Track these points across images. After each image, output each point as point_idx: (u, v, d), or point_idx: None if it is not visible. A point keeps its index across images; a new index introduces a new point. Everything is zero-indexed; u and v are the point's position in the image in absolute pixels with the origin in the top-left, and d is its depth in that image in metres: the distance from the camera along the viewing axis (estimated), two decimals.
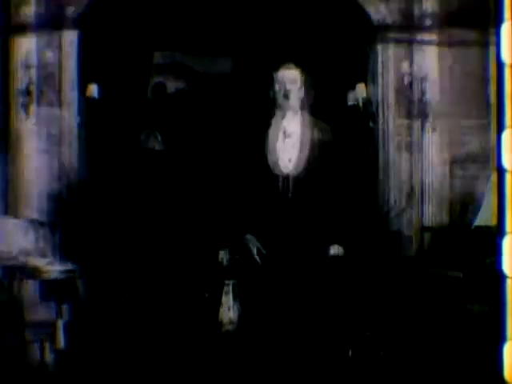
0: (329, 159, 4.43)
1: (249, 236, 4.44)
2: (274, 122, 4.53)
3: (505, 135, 3.10)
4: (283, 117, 4.50)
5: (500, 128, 3.10)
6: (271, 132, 4.50)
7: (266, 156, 4.44)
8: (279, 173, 4.42)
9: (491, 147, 5.66)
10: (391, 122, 6.47)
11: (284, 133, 4.48)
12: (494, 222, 3.29)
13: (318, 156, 4.42)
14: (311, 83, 4.60)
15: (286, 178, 4.41)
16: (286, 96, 4.47)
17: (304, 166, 4.42)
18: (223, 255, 6.85)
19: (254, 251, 4.41)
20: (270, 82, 4.55)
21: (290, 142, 4.46)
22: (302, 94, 4.54)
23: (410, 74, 6.34)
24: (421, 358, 5.60)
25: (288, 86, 4.46)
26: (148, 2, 6.75)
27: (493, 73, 2.96)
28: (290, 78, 4.49)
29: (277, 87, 4.49)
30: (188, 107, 8.68)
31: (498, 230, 3.16)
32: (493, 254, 3.26)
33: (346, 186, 4.54)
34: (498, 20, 3.14)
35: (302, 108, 4.57)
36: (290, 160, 4.43)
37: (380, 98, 6.50)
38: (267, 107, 4.59)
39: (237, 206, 4.53)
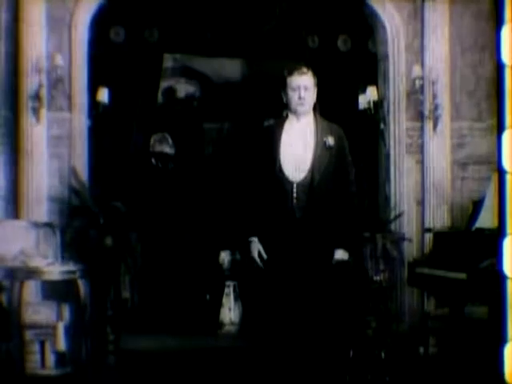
0: (341, 163, 4.39)
1: (252, 238, 4.40)
2: (287, 126, 4.41)
3: (505, 136, 3.09)
4: (297, 121, 4.39)
5: (500, 129, 3.09)
6: (284, 137, 4.38)
7: (279, 160, 4.32)
8: (293, 178, 4.30)
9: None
10: (402, 124, 6.47)
11: (295, 139, 4.37)
12: (495, 223, 3.29)
13: (332, 160, 4.38)
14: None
15: (301, 182, 4.29)
16: (302, 102, 4.35)
17: (318, 170, 4.30)
18: (224, 257, 6.86)
19: (256, 253, 4.37)
20: (283, 85, 4.41)
21: (304, 147, 4.36)
22: (314, 97, 4.43)
23: (422, 78, 6.34)
24: (422, 358, 5.60)
25: (303, 93, 4.34)
26: (158, 5, 6.75)
27: None
28: (305, 83, 4.36)
29: (291, 92, 4.37)
30: (198, 110, 8.71)
31: (499, 232, 3.16)
32: (494, 256, 3.26)
33: (356, 189, 4.48)
34: (498, 22, 3.14)
35: (315, 110, 4.47)
36: (304, 164, 4.32)
37: (391, 101, 6.51)
38: (280, 111, 4.54)
39: (245, 209, 4.45)
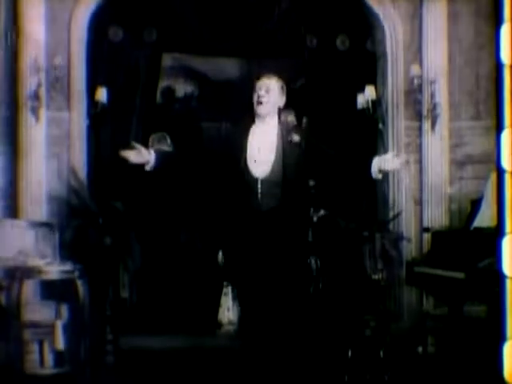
0: (315, 157, 4.59)
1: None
2: (253, 128, 4.62)
3: (504, 135, 3.10)
4: (262, 123, 4.60)
5: (499, 128, 3.10)
6: (250, 138, 4.58)
7: (244, 160, 4.53)
8: (258, 174, 4.50)
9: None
10: (400, 123, 6.48)
11: (260, 138, 4.58)
12: (493, 222, 3.30)
13: (301, 155, 4.55)
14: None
15: (265, 178, 4.50)
16: (260, 102, 4.56)
17: (283, 165, 4.52)
18: (223, 257, 6.85)
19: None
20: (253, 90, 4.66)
21: (268, 145, 4.56)
22: (280, 101, 4.63)
23: (420, 77, 6.35)
24: (421, 357, 5.60)
25: (262, 92, 4.56)
26: (156, 4, 6.75)
27: None
28: (267, 86, 4.59)
29: (253, 94, 4.60)
30: (197, 110, 8.70)
31: (498, 231, 3.17)
32: (492, 255, 3.26)
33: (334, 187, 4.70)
34: (497, 21, 3.15)
35: (280, 114, 4.69)
36: (268, 161, 4.52)
37: (390, 100, 6.52)
38: (249, 114, 4.70)
39: (216, 209, 4.69)
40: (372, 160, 4.51)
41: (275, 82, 4.62)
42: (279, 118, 4.67)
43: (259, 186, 4.51)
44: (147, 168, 4.51)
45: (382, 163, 4.47)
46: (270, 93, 4.57)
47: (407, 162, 4.77)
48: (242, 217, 4.52)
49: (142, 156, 4.51)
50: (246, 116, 4.70)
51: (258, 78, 4.63)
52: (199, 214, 7.47)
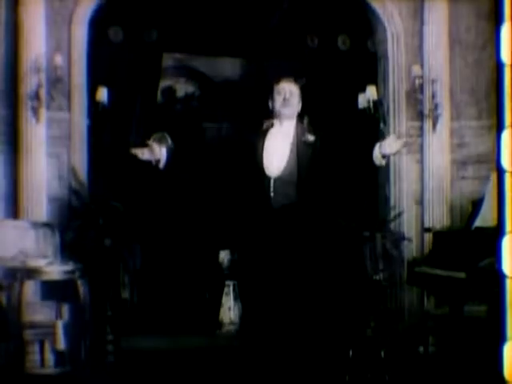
0: (329, 157, 4.64)
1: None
2: (271, 131, 4.69)
3: (504, 135, 3.10)
4: (280, 125, 4.68)
5: (499, 128, 3.10)
6: (267, 140, 4.65)
7: (261, 160, 4.59)
8: (271, 174, 4.57)
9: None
10: (402, 123, 6.48)
11: (276, 139, 4.65)
12: (494, 222, 3.29)
13: (315, 155, 4.61)
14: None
15: (277, 177, 4.55)
16: (286, 104, 4.67)
17: (296, 165, 4.58)
18: (224, 256, 6.86)
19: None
20: (271, 93, 4.74)
21: (284, 146, 4.63)
22: (298, 106, 4.74)
23: (421, 77, 6.35)
24: (422, 357, 5.60)
25: (288, 95, 4.67)
26: (157, 4, 6.75)
27: None
28: (290, 88, 4.70)
29: (276, 96, 4.68)
30: (198, 110, 8.71)
31: (498, 231, 3.16)
32: (493, 255, 3.26)
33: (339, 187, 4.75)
34: (498, 21, 3.15)
35: (297, 118, 4.76)
36: (281, 161, 4.58)
37: (391, 100, 6.52)
38: (266, 117, 4.78)
39: (229, 207, 4.72)
40: (374, 147, 4.55)
41: (295, 86, 4.74)
42: (297, 122, 4.74)
43: (272, 184, 4.56)
44: (159, 166, 4.58)
45: (383, 147, 4.52)
46: (294, 95, 4.70)
47: (407, 144, 4.87)
48: (253, 214, 4.57)
49: (155, 153, 4.53)
50: (265, 118, 4.77)
51: (278, 82, 4.72)
52: (200, 213, 7.48)
